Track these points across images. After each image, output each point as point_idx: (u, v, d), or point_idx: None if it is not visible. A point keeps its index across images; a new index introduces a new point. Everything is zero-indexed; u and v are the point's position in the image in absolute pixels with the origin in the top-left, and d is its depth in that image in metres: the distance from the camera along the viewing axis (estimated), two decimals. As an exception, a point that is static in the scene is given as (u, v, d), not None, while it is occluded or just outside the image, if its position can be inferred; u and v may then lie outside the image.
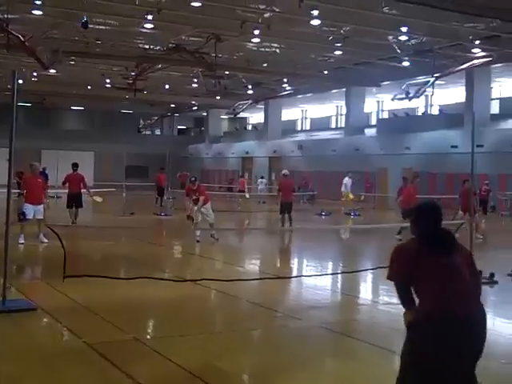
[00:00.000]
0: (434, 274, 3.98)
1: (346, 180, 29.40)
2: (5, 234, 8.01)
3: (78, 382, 5.62)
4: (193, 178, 16.68)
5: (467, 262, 4.17)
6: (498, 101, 37.68)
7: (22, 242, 14.05)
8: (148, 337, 7.41)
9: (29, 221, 14.15)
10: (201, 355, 6.46)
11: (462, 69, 29.97)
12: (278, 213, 19.75)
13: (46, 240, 14.33)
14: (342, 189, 29.33)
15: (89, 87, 43.66)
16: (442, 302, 3.90)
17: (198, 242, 15.71)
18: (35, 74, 37.35)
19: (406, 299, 4.15)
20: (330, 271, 12.90)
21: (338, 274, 12.46)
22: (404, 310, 4.19)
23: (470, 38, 26.67)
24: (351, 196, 29.25)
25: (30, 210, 14.22)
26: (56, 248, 9.24)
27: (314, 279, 11.36)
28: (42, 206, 14.60)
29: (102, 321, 7.67)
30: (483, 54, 28.66)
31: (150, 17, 23.42)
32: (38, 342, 6.95)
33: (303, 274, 12.60)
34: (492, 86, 34.74)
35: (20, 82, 34.22)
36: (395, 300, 9.76)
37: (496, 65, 30.49)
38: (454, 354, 3.81)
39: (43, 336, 7.31)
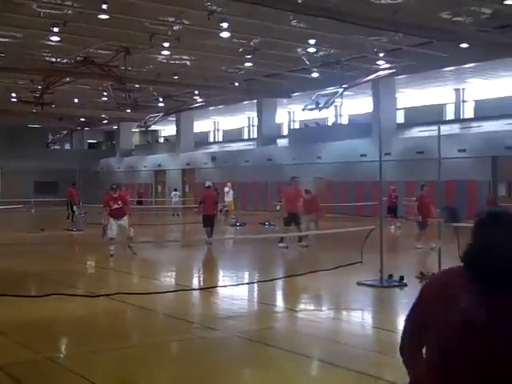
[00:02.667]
0: (440, 331, 2.26)
1: (227, 189, 30.19)
2: None
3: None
4: (114, 186, 16.30)
5: None
6: (403, 111, 39.04)
7: None
8: (61, 355, 7.21)
9: None
10: (117, 371, 6.35)
11: (368, 80, 30.89)
12: (202, 226, 19.21)
13: None
14: (226, 198, 30.05)
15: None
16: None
17: (111, 256, 15.38)
18: None
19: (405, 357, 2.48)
20: (245, 281, 12.96)
21: (253, 283, 12.52)
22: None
23: (375, 50, 27.59)
24: (232, 205, 30.17)
25: None
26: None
27: (230, 289, 11.38)
28: None
29: (11, 341, 7.42)
30: (387, 65, 29.69)
31: (56, 29, 22.93)
32: None
33: (219, 284, 12.58)
34: (397, 96, 35.96)
35: None
36: (310, 307, 9.92)
37: (400, 76, 31.58)
38: None
39: None
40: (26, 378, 5.95)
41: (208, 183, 20.68)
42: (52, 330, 8.33)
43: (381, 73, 30.13)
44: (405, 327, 2.53)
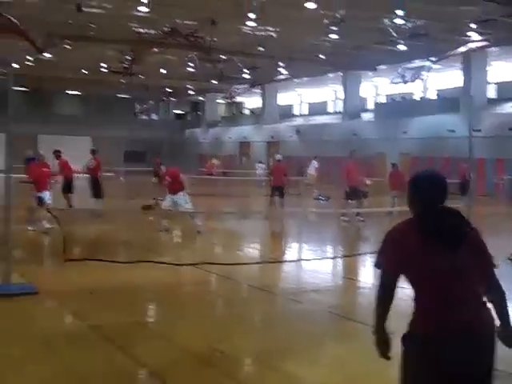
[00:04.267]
0: (428, 276, 3.14)
1: (314, 163, 30.86)
2: (5, 219, 8.01)
3: (82, 364, 5.64)
4: (157, 160, 16.21)
5: (476, 253, 3.23)
6: (495, 85, 37.63)
7: (48, 227, 13.85)
8: (151, 320, 7.46)
9: (48, 204, 14.16)
10: (203, 339, 6.50)
11: (459, 53, 29.90)
12: (270, 196, 19.87)
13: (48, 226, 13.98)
14: (310, 171, 30.77)
15: (85, 71, 43.47)
16: (438, 313, 3.11)
17: (160, 231, 14.91)
18: (30, 58, 37.15)
19: (382, 302, 3.26)
20: (328, 255, 12.97)
21: (337, 257, 12.51)
22: (374, 323, 3.33)
23: (467, 21, 26.60)
24: (315, 178, 30.60)
25: (46, 195, 14.39)
26: (57, 232, 9.26)
27: (314, 263, 11.41)
28: (48, 192, 14.65)
29: (104, 304, 7.71)
30: (480, 37, 28.61)
31: (144, 0, 23.28)
32: (41, 325, 6.98)
33: (302, 257, 12.65)
34: (489, 69, 34.67)
35: (16, 66, 34.11)
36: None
37: (492, 48, 30.42)
38: (452, 373, 3.07)
39: (46, 319, 7.34)
40: (118, 340, 6.19)
41: (278, 157, 21.25)
42: (142, 295, 8.62)
43: (472, 45, 29.07)
44: (381, 277, 3.25)
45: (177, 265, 10.19)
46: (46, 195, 14.34)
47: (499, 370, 3.32)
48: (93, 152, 19.40)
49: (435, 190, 3.30)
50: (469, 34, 28.41)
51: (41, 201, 14.14)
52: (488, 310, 3.19)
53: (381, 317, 3.28)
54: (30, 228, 14.05)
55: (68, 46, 33.24)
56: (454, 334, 3.07)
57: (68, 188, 18.44)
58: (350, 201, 18.33)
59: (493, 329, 3.17)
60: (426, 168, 3.63)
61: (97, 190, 18.26)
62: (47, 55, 34.24)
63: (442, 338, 3.07)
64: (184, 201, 14.73)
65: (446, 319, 3.10)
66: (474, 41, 28.93)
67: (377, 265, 3.30)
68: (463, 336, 3.07)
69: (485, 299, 3.22)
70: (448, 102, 34.20)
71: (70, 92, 58.23)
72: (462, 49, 29.41)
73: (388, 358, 3.31)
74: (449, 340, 3.06)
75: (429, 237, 3.14)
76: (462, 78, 33.08)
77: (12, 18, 23.46)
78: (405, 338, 3.22)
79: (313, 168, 31.09)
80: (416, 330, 3.18)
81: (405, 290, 3.40)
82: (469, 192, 13.37)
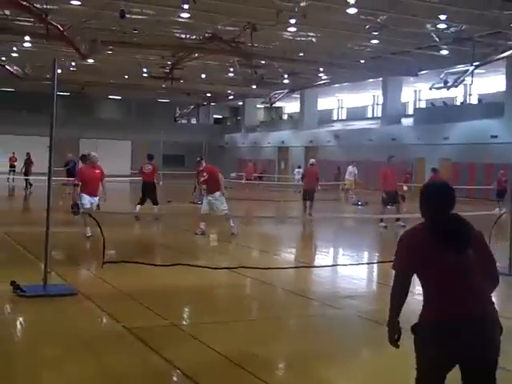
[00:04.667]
0: (439, 274, 3.57)
1: (351, 169, 30.72)
2: (46, 221, 8.16)
3: (119, 365, 5.72)
4: (198, 158, 15.70)
5: (481, 255, 3.64)
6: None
7: (89, 234, 13.16)
8: (185, 323, 7.50)
9: (85, 210, 13.10)
10: (238, 342, 6.52)
11: (503, 57, 29.43)
12: (302, 199, 20.29)
13: (90, 233, 13.25)
14: (347, 177, 30.79)
15: (126, 76, 44.04)
16: (444, 305, 3.54)
17: (196, 234, 14.76)
18: (74, 63, 37.81)
19: (396, 298, 3.72)
20: (364, 260, 12.88)
21: (373, 263, 12.42)
22: (388, 317, 3.76)
23: (511, 25, 26.18)
24: (352, 184, 30.59)
25: (86, 200, 13.42)
26: (96, 235, 9.39)
27: (350, 268, 11.36)
28: (97, 198, 13.80)
29: (140, 306, 7.79)
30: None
31: (186, 6, 23.49)
32: (79, 326, 7.08)
33: (338, 262, 12.61)
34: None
35: (59, 71, 34.73)
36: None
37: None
38: (458, 360, 3.53)
39: (84, 320, 7.44)
40: (154, 343, 6.24)
41: (312, 161, 22.12)
42: (177, 298, 8.69)
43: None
44: (396, 277, 3.70)
45: (212, 268, 10.23)
46: (86, 199, 13.45)
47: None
48: (149, 157, 19.28)
49: (444, 198, 3.71)
50: (513, 38, 28.00)
51: (78, 206, 13.53)
52: (493, 304, 3.60)
53: (394, 311, 3.72)
54: (87, 234, 13.31)
55: (110, 52, 33.75)
56: (461, 323, 3.47)
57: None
58: (388, 206, 18.21)
59: (496, 321, 3.57)
60: (433, 181, 4.34)
61: (153, 194, 18.14)
62: (90, 61, 34.80)
63: (451, 327, 3.48)
64: (220, 202, 14.59)
65: (453, 312, 3.49)
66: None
67: (393, 266, 3.72)
68: (470, 326, 3.47)
69: (490, 294, 3.63)
70: (490, 106, 33.70)
71: (111, 96, 59.05)
72: (507, 53, 28.96)
73: (397, 347, 3.76)
74: (457, 329, 3.47)
75: (438, 239, 3.57)
76: (506, 82, 32.54)
77: (59, 26, 23.92)
78: (415, 328, 3.63)
79: (350, 173, 30.95)
80: (427, 321, 3.60)
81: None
82: (505, 198, 13.10)
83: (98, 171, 13.90)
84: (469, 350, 3.48)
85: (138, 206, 17.96)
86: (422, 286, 3.68)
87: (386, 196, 18.05)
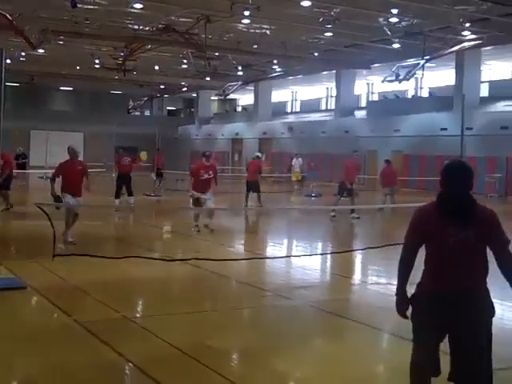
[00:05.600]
0: (440, 249, 3.88)
1: (294, 161, 31.97)
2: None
3: (69, 359, 5.63)
4: (207, 153, 14.43)
5: (486, 234, 3.86)
6: (487, 84, 37.74)
7: (70, 240, 11.57)
8: (137, 315, 7.45)
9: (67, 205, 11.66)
10: (191, 334, 6.51)
11: (452, 51, 29.99)
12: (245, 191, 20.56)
13: (70, 239, 11.68)
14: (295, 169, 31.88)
15: (78, 67, 43.35)
16: (441, 278, 3.88)
17: (198, 231, 14.09)
18: (23, 53, 37.03)
19: (404, 268, 4.01)
20: (317, 251, 12.98)
21: (325, 254, 12.53)
22: (397, 286, 4.05)
23: (461, 20, 26.65)
24: (299, 176, 31.57)
25: (71, 200, 11.76)
26: (45, 227, 9.24)
27: (303, 259, 11.42)
28: (80, 198, 12.08)
29: (92, 299, 7.70)
30: (473, 36, 28.68)
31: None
32: (28, 320, 6.98)
33: (291, 253, 12.68)
34: (482, 68, 34.74)
35: (8, 61, 33.98)
36: (383, 280, 9.84)
37: (486, 48, 30.50)
38: (450, 326, 3.88)
39: (33, 314, 7.35)
40: (106, 336, 6.17)
41: (257, 154, 23.52)
42: (130, 291, 8.63)
43: (466, 44, 29.17)
44: (405, 244, 4.03)
45: (167, 260, 10.19)
46: (69, 199, 11.77)
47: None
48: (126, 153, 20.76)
49: (458, 175, 3.92)
50: (463, 33, 28.50)
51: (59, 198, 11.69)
52: (485, 283, 3.91)
53: (402, 280, 4.00)
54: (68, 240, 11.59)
55: (61, 42, 33.15)
56: (453, 295, 3.82)
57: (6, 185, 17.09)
58: (342, 198, 18.42)
59: (486, 298, 3.89)
60: (452, 160, 4.17)
61: (129, 186, 19.49)
62: (41, 51, 34.14)
63: (443, 298, 3.83)
64: (211, 200, 14.18)
65: (447, 284, 3.85)
66: (467, 40, 29.03)
67: (404, 237, 4.07)
68: (461, 298, 3.81)
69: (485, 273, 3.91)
70: (440, 100, 34.29)
71: (62, 88, 58.07)
72: (456, 47, 29.50)
73: (406, 317, 4.00)
74: (448, 300, 3.82)
75: (445, 214, 3.85)
76: (455, 76, 33.14)
77: (7, 15, 23.38)
78: (412, 298, 3.96)
79: (297, 165, 31.84)
80: (423, 291, 3.94)
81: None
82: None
83: (80, 167, 12.15)
84: (457, 319, 3.82)
85: (117, 200, 18.97)
86: (425, 259, 3.98)
87: (342, 187, 18.35)
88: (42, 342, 6.09)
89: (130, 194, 19.37)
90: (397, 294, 4.03)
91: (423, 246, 4.02)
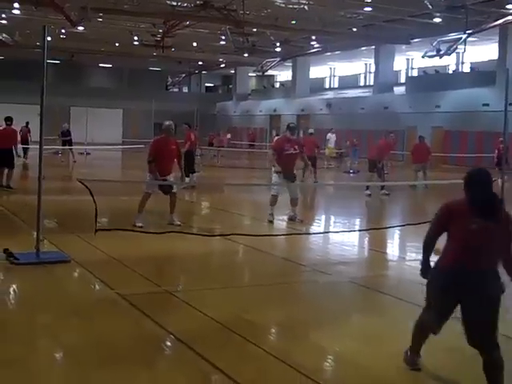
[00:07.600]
0: (463, 234, 4.39)
1: (329, 135, 31.29)
2: (38, 189, 8.15)
3: (112, 331, 5.76)
4: (292, 124, 12.49)
5: (504, 230, 4.36)
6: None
7: (140, 225, 10.71)
8: (178, 289, 7.54)
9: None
10: (230, 308, 6.58)
11: (496, 25, 29.31)
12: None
13: (178, 222, 11.18)
14: (328, 144, 31.23)
15: (117, 44, 43.62)
16: (459, 258, 4.41)
17: (271, 222, 12.24)
18: (63, 31, 37.39)
19: (427, 245, 4.70)
20: (356, 227, 12.95)
21: (364, 230, 12.48)
22: (422, 259, 4.74)
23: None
24: (333, 151, 31.33)
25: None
26: (88, 202, 9.38)
27: (341, 235, 11.42)
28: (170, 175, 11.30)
29: (133, 273, 7.82)
30: (518, 9, 27.99)
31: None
32: (72, 292, 7.13)
33: (329, 229, 12.67)
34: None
35: (49, 38, 34.32)
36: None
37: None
38: (464, 297, 4.43)
39: (77, 287, 7.49)
40: (147, 308, 6.28)
41: (310, 130, 23.40)
42: (170, 265, 8.76)
43: (510, 17, 28.46)
44: (431, 228, 4.66)
45: (205, 235, 10.28)
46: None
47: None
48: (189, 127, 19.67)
49: (484, 181, 4.45)
50: (507, 6, 27.81)
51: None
52: (497, 268, 4.42)
53: (425, 253, 4.72)
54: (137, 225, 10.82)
55: (100, 19, 33.36)
56: (468, 273, 4.38)
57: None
58: (372, 173, 18.29)
59: (498, 278, 4.41)
60: (472, 169, 4.64)
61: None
62: (80, 28, 34.40)
63: (459, 275, 4.39)
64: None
65: (464, 264, 4.39)
66: (511, 13, 28.32)
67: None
68: (474, 276, 4.36)
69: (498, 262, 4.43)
70: (483, 75, 33.63)
71: (102, 65, 58.53)
72: (500, 21, 28.82)
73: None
74: (463, 276, 4.39)
75: (474, 209, 4.35)
76: (498, 50, 32.43)
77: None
78: (433, 268, 4.61)
79: (332, 140, 31.33)
80: (441, 266, 4.55)
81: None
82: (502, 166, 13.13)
83: (174, 147, 11.13)
84: (470, 292, 4.38)
85: (191, 176, 17.54)
86: (447, 241, 4.55)
87: (372, 164, 18.16)
88: (85, 314, 6.22)
89: (193, 171, 18.23)
90: (421, 264, 4.76)
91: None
